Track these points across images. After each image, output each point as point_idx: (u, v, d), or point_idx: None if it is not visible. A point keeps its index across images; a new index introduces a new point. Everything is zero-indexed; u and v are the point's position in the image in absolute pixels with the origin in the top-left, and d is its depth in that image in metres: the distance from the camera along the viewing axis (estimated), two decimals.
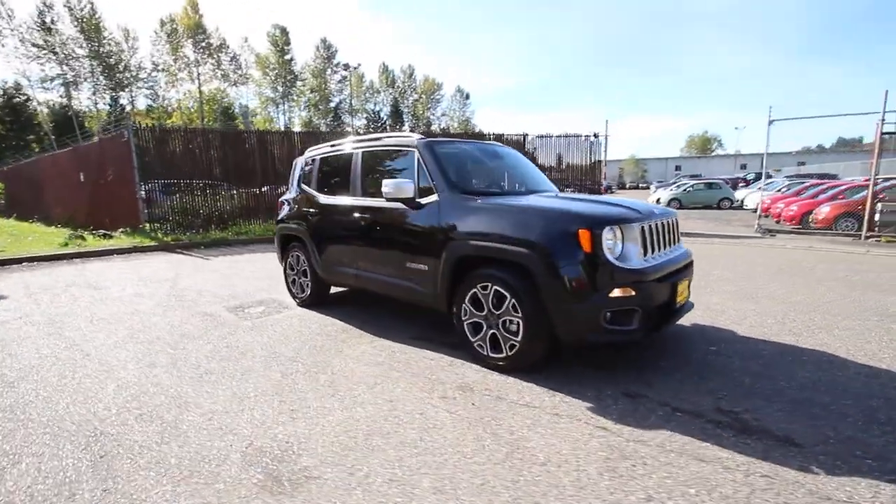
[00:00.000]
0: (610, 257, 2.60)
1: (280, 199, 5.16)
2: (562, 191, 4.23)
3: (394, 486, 1.85)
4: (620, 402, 2.52)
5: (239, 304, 4.89)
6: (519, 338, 2.80)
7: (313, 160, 4.69)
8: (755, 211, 14.14)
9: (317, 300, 4.65)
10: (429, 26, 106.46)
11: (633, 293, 2.61)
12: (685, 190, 23.46)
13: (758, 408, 2.43)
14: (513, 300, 2.79)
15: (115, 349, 3.53)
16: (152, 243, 9.48)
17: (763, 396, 2.56)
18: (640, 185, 53.45)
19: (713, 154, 71.51)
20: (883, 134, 10.10)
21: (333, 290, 4.89)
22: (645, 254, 2.81)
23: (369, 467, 1.97)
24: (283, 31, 50.98)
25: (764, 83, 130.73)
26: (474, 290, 3.00)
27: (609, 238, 2.62)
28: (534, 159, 13.59)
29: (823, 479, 1.85)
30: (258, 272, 6.74)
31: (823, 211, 12.33)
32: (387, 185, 3.36)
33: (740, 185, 26.14)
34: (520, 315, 2.77)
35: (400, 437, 2.21)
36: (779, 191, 17.91)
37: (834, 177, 21.88)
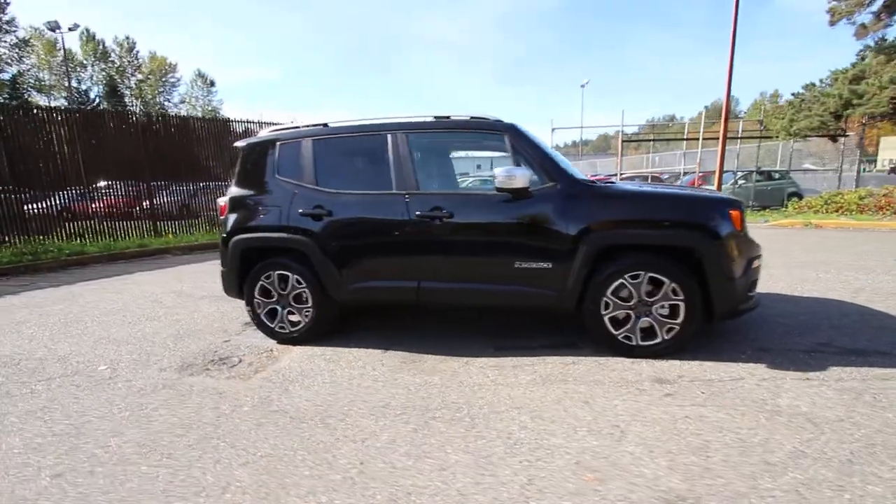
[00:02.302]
0: (748, 234, 2.95)
1: (225, 200, 3.54)
2: None
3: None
4: (775, 357, 2.90)
5: (181, 362, 3.20)
6: (679, 320, 2.86)
7: (296, 143, 3.42)
8: None
9: (319, 332, 3.47)
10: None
11: (758, 264, 3.05)
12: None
13: (848, 339, 3.12)
14: (673, 284, 2.83)
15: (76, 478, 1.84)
16: None
17: (835, 331, 3.29)
18: None
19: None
20: (623, 141, 14.12)
21: None
22: None
23: (762, 498, 1.74)
24: None
25: (475, 101, 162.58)
26: (620, 280, 2.89)
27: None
28: None
29: None
30: (123, 310, 4.45)
31: None
32: (500, 175, 2.84)
33: None
34: (681, 297, 2.83)
35: (714, 447, 1.99)
36: None
37: None
